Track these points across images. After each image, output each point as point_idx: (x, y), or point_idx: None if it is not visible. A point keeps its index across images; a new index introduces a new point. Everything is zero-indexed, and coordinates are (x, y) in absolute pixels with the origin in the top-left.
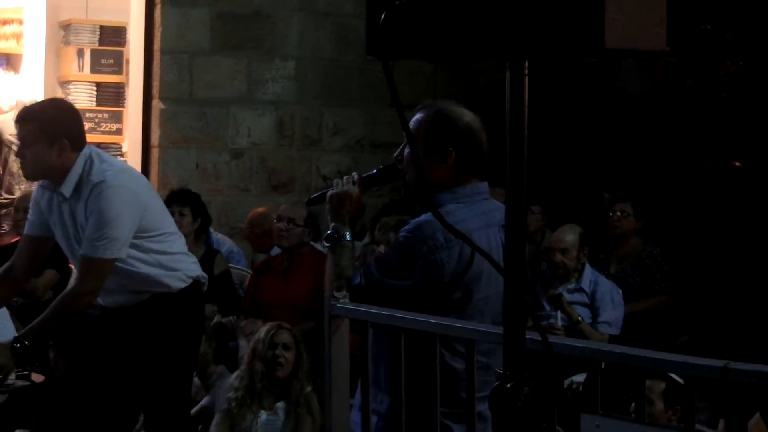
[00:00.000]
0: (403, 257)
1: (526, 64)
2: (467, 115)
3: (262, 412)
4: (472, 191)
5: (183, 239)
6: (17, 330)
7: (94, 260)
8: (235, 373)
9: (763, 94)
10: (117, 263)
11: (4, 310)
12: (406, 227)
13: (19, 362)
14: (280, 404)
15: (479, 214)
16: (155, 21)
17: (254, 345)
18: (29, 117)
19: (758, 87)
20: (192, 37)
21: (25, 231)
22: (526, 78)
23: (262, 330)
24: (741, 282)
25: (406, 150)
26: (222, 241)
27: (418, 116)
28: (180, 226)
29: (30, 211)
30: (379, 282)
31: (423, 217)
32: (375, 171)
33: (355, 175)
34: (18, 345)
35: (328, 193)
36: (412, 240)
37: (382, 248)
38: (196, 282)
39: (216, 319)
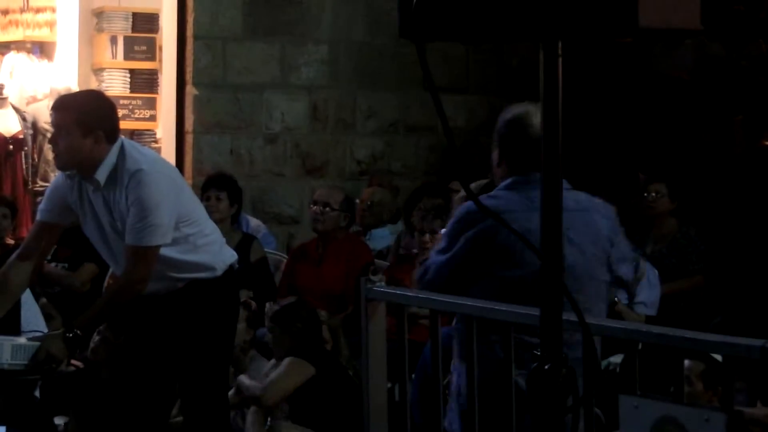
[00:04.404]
0: (451, 240)
1: (560, 45)
2: (516, 110)
3: None
4: (528, 179)
5: (215, 226)
6: (45, 319)
7: (141, 248)
8: (270, 363)
9: None
10: None
11: (32, 301)
12: (452, 219)
13: (72, 351)
14: None
15: (526, 198)
16: (188, 7)
17: None
18: (67, 106)
19: None
20: (225, 22)
21: (39, 218)
22: (560, 59)
23: None
24: None
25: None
26: (253, 224)
27: None
28: (217, 211)
29: (46, 198)
30: (436, 271)
31: (464, 206)
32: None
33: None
34: (71, 335)
35: None
36: (458, 226)
37: (427, 237)
38: (230, 268)
39: (254, 306)
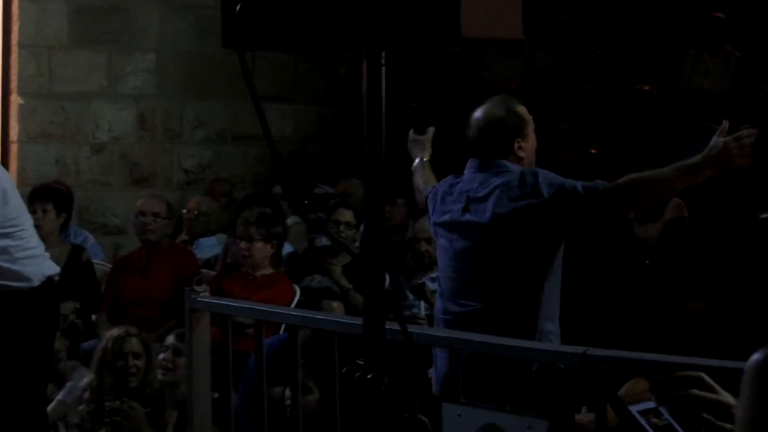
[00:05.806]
0: None
1: (383, 54)
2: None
3: None
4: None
5: (39, 240)
6: None
7: None
8: (84, 382)
9: (621, 82)
10: None
11: None
12: None
13: None
14: None
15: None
16: (12, 15)
17: (102, 355)
18: None
19: (616, 74)
20: (50, 30)
21: None
22: (383, 68)
23: (109, 339)
24: (599, 271)
25: None
26: (81, 235)
27: None
28: (44, 223)
29: None
30: None
31: None
32: None
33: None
34: None
35: None
36: None
37: (243, 245)
38: (50, 280)
39: (71, 318)
